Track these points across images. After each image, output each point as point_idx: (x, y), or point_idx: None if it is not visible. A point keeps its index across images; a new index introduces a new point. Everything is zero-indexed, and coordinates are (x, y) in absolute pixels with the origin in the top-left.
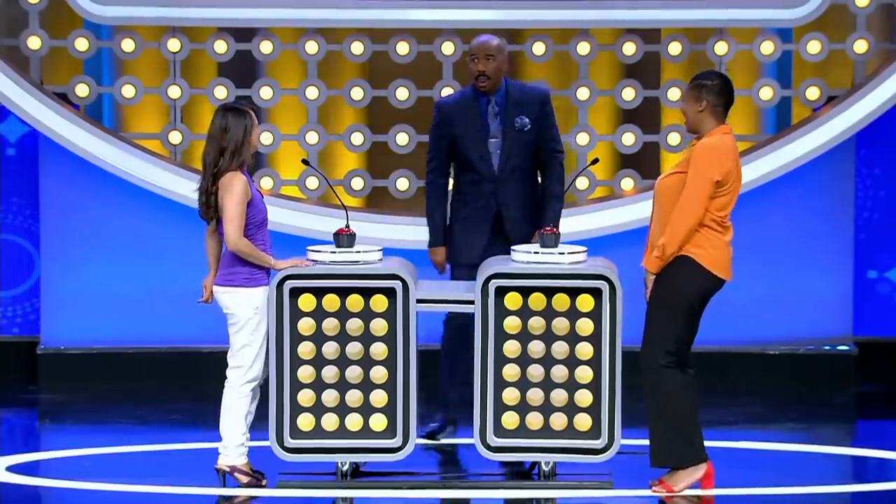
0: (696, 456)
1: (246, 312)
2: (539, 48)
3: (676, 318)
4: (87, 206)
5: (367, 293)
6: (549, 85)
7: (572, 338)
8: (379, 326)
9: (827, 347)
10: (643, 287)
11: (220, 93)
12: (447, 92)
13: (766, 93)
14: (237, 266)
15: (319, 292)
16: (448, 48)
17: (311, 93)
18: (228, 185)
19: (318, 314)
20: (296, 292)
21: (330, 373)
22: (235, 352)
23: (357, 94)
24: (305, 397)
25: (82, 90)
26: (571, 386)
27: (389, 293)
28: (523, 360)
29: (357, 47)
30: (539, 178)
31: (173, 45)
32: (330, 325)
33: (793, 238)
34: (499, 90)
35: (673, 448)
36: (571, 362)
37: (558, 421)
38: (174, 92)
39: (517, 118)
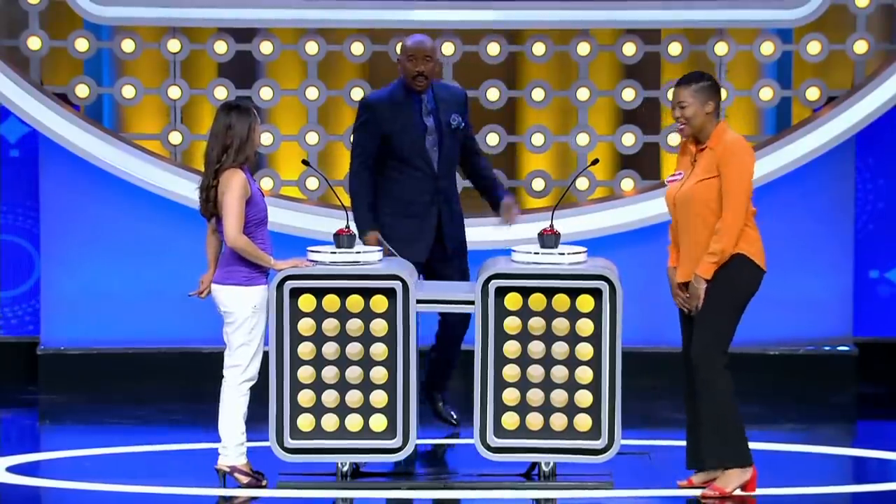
0: (746, 457)
1: (244, 311)
2: (539, 49)
3: (732, 317)
4: (87, 206)
5: (367, 294)
6: (549, 85)
7: (572, 338)
8: (379, 327)
9: (827, 348)
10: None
11: (220, 93)
12: None
13: (766, 93)
14: (236, 265)
15: (319, 293)
16: (448, 48)
17: (311, 93)
18: (228, 181)
19: (318, 315)
20: (296, 293)
21: (330, 373)
22: (233, 350)
23: (357, 94)
24: (305, 398)
25: (82, 91)
26: (571, 386)
27: (389, 294)
28: (523, 361)
29: (357, 48)
30: (465, 173)
31: (173, 45)
32: (330, 325)
33: (793, 238)
34: (426, 89)
35: (725, 449)
36: (571, 363)
37: (558, 421)
38: (174, 92)
39: (452, 116)
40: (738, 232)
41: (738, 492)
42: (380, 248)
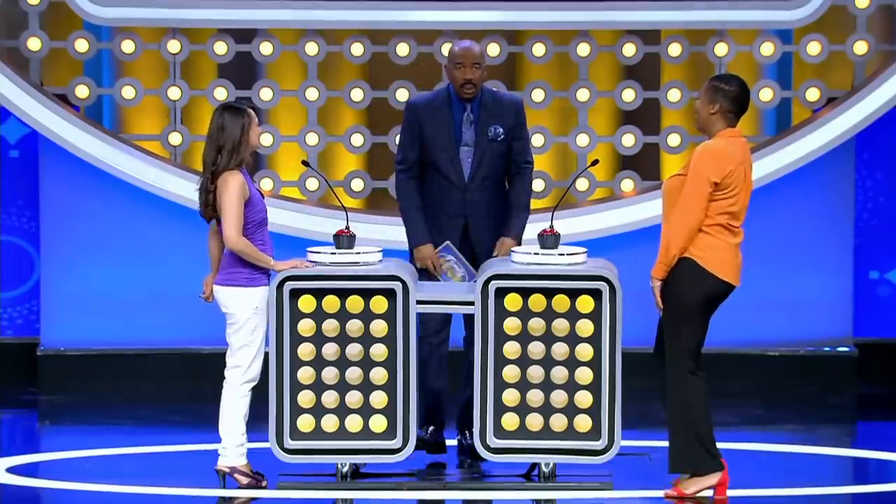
0: (712, 464)
1: (245, 312)
2: (539, 49)
3: (687, 321)
4: (86, 207)
5: (366, 294)
6: (549, 86)
7: (572, 339)
8: (379, 328)
9: (827, 349)
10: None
11: (220, 94)
12: None
13: (767, 94)
14: (237, 266)
15: (319, 293)
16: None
17: (311, 94)
18: (225, 183)
19: (318, 315)
20: (296, 293)
21: (330, 374)
22: (234, 352)
23: (357, 95)
24: (305, 398)
25: (82, 91)
26: (571, 387)
27: (389, 294)
28: (523, 362)
29: (357, 48)
30: (506, 188)
31: (173, 46)
32: (330, 326)
33: (793, 239)
34: (475, 98)
35: (691, 455)
36: (571, 363)
37: (558, 422)
38: (174, 93)
39: (491, 127)
40: (685, 232)
41: (707, 492)
42: (445, 256)
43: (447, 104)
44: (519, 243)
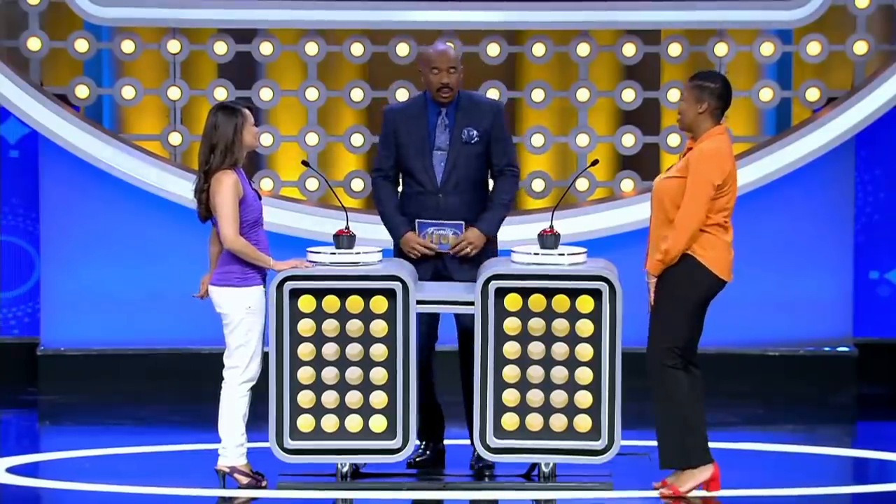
0: (702, 457)
1: (238, 312)
2: (539, 49)
3: (681, 318)
4: (86, 207)
5: (366, 294)
6: (549, 86)
7: (572, 339)
8: (379, 328)
9: (827, 349)
10: (644, 288)
11: (220, 94)
12: None
13: (766, 94)
14: (231, 265)
15: (319, 293)
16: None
17: (311, 94)
18: (218, 183)
19: (318, 315)
20: (296, 293)
21: (330, 374)
22: (231, 352)
23: (357, 95)
24: (305, 398)
25: (82, 91)
26: (571, 387)
27: (389, 294)
28: (523, 362)
29: (357, 49)
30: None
31: (173, 46)
32: (330, 326)
33: (793, 239)
34: (451, 101)
35: (680, 449)
36: (571, 363)
37: (558, 422)
38: (174, 93)
39: (465, 130)
40: (689, 234)
41: (698, 491)
42: (427, 230)
43: (423, 109)
44: (488, 239)
